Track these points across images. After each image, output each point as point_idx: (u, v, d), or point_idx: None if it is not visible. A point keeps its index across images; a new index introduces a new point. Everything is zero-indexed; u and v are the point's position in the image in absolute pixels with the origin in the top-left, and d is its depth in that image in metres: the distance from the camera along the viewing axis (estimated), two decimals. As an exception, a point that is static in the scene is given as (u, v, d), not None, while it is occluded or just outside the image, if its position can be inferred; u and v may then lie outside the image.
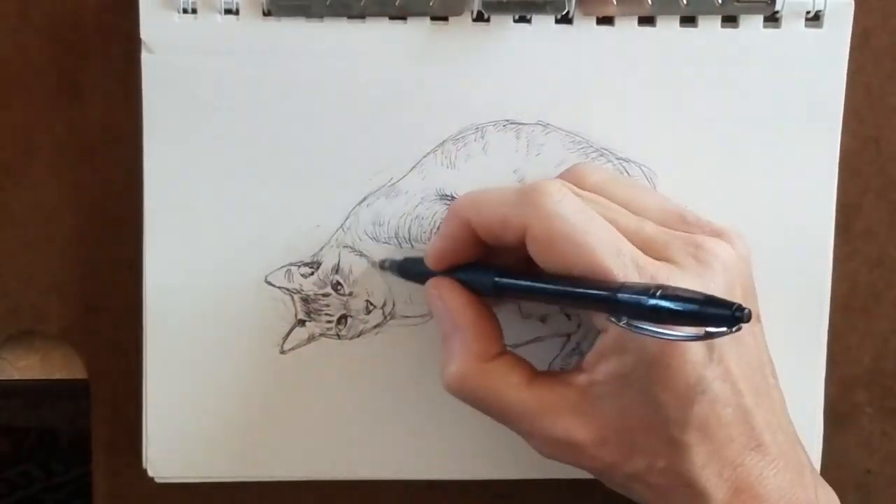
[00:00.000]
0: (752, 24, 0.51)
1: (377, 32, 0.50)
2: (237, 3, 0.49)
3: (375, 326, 0.52)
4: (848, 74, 0.51)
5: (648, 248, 0.44)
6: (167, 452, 0.52)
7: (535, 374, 0.47)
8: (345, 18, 0.49)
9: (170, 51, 0.49)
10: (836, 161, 0.52)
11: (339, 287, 0.51)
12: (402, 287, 0.51)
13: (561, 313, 0.52)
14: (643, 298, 0.40)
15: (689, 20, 0.50)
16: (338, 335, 0.52)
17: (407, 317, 0.52)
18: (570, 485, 0.54)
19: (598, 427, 0.45)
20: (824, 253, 0.52)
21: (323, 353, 0.52)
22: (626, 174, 0.51)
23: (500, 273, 0.46)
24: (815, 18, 0.51)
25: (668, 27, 0.50)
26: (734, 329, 0.38)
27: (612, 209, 0.46)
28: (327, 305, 0.51)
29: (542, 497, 0.55)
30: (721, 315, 0.38)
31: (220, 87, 0.50)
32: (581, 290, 0.43)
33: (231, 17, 0.49)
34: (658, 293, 0.40)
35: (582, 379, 0.45)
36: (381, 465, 0.53)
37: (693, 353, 0.42)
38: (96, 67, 0.51)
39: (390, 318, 0.52)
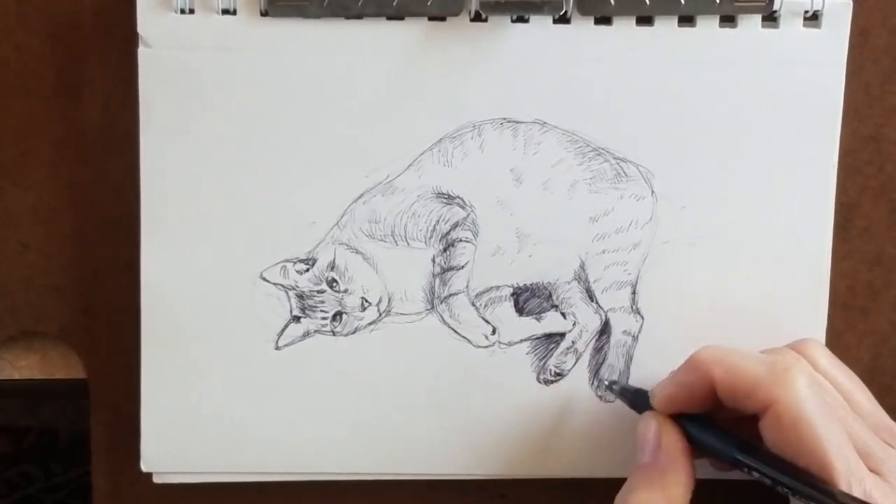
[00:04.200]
0: (750, 23, 0.51)
1: (374, 32, 0.50)
2: (234, 4, 0.49)
3: (371, 323, 0.52)
4: (847, 74, 0.51)
5: (866, 458, 0.46)
6: (162, 448, 0.52)
7: None
8: (342, 18, 0.50)
9: (167, 47, 0.49)
10: (835, 160, 0.52)
11: (334, 284, 0.51)
12: (398, 284, 0.52)
13: (557, 312, 0.52)
14: None
15: (687, 20, 0.51)
16: (333, 332, 0.52)
17: (402, 314, 0.52)
18: (570, 485, 0.54)
19: None
20: (823, 252, 0.52)
21: (318, 349, 0.52)
22: (623, 174, 0.51)
23: (740, 447, 0.47)
24: (813, 18, 0.51)
25: (666, 27, 0.50)
26: None
27: (843, 408, 0.48)
28: (322, 302, 0.52)
29: (542, 497, 0.55)
30: None
31: (218, 84, 0.50)
32: (827, 500, 0.44)
33: (228, 17, 0.49)
34: None
35: None
36: (379, 462, 0.53)
37: None
38: (95, 68, 0.51)
39: (385, 315, 0.52)
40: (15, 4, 0.51)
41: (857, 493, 0.44)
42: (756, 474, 0.46)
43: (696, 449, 0.48)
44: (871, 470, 0.45)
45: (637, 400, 0.51)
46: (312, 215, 0.51)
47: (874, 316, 0.54)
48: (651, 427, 0.48)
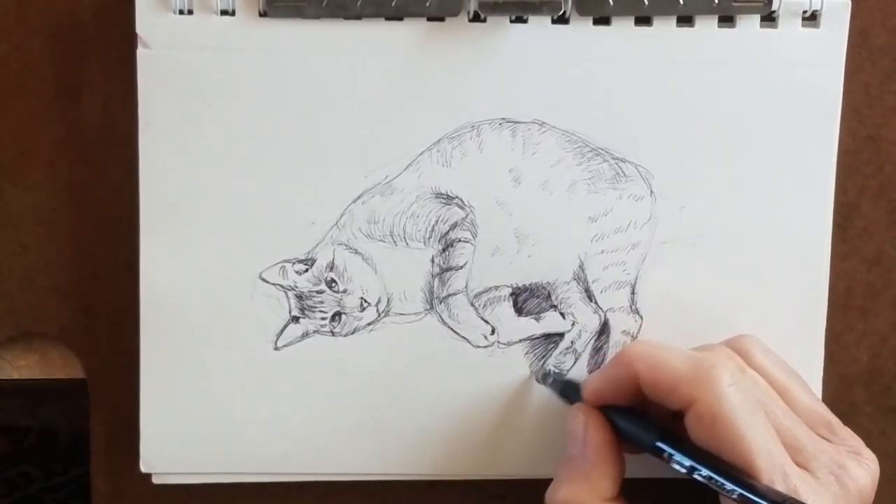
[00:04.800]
0: (748, 23, 0.51)
1: (373, 33, 0.50)
2: (233, 4, 0.49)
3: (370, 324, 0.52)
4: (845, 74, 0.51)
5: (796, 453, 0.46)
6: (161, 449, 0.52)
7: None
8: (341, 19, 0.50)
9: (166, 47, 0.49)
10: (834, 160, 0.52)
11: (333, 284, 0.51)
12: (397, 284, 0.52)
13: (556, 312, 0.52)
14: None
15: (685, 20, 0.51)
16: (332, 332, 0.52)
17: (401, 314, 0.52)
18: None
19: None
20: (822, 252, 0.52)
21: (317, 350, 0.52)
22: (622, 174, 0.51)
23: (662, 436, 0.47)
24: (811, 18, 0.51)
25: (664, 27, 0.50)
26: None
27: (772, 401, 0.48)
28: (321, 302, 0.52)
29: (541, 497, 0.55)
30: None
31: (217, 84, 0.50)
32: (746, 493, 0.44)
33: (227, 18, 0.50)
34: None
35: None
36: (378, 462, 0.53)
37: None
38: (94, 68, 0.51)
39: (385, 316, 0.52)
40: (15, 4, 0.51)
41: (780, 489, 0.44)
42: (676, 466, 0.46)
43: (625, 440, 0.48)
44: (801, 465, 0.46)
45: (567, 391, 0.51)
46: (311, 216, 0.51)
47: (873, 316, 0.54)
48: (578, 420, 0.49)
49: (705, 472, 0.45)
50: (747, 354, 0.49)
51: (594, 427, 0.48)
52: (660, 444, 0.47)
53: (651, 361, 0.47)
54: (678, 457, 0.46)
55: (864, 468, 0.47)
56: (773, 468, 0.44)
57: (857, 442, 0.48)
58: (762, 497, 0.44)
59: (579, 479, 0.48)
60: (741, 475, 0.45)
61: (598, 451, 0.48)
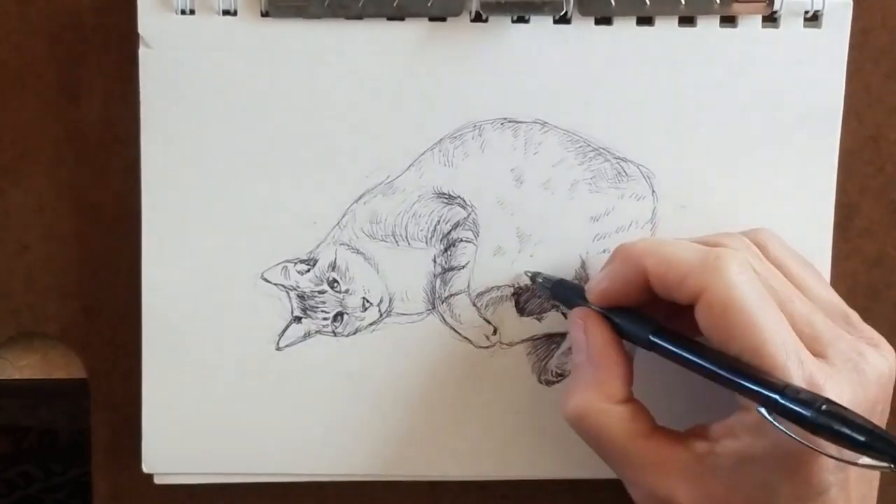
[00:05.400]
0: (750, 24, 0.51)
1: (375, 33, 0.50)
2: (235, 4, 0.49)
3: (372, 324, 0.52)
4: (847, 74, 0.51)
5: (812, 341, 0.44)
6: (163, 450, 0.52)
7: (655, 428, 0.47)
8: (342, 19, 0.50)
9: (168, 48, 0.49)
10: (836, 160, 0.52)
11: (335, 284, 0.51)
12: (399, 284, 0.52)
13: (558, 312, 0.52)
14: (807, 410, 0.40)
15: (687, 20, 0.51)
16: (334, 332, 0.52)
17: (403, 314, 0.52)
18: (570, 485, 0.54)
19: (702, 495, 0.45)
20: (823, 252, 0.52)
21: (319, 350, 0.52)
22: (623, 173, 0.51)
23: (656, 330, 0.46)
24: (813, 18, 0.51)
25: (666, 27, 0.50)
26: (892, 467, 0.39)
27: (788, 290, 0.46)
28: (323, 302, 0.51)
29: (542, 497, 0.55)
30: (884, 451, 0.39)
31: (219, 84, 0.50)
32: (743, 382, 0.43)
33: (229, 18, 0.49)
34: (823, 407, 0.40)
35: (702, 446, 0.45)
36: (380, 463, 0.53)
37: (827, 457, 0.43)
38: (95, 69, 0.51)
39: (387, 316, 0.52)
40: (15, 5, 0.51)
41: (796, 377, 0.42)
42: (674, 359, 0.45)
43: (647, 349, 0.47)
44: (818, 354, 0.44)
45: (561, 292, 0.50)
46: (313, 215, 0.51)
47: (874, 316, 0.54)
48: (579, 326, 0.48)
49: (700, 363, 0.44)
50: (764, 247, 0.48)
51: (594, 329, 0.48)
52: (654, 339, 0.46)
53: (659, 255, 0.46)
54: (673, 349, 0.45)
55: (883, 357, 0.45)
56: (787, 355, 0.43)
57: (875, 335, 0.47)
58: (762, 385, 0.42)
59: (589, 386, 0.47)
60: (742, 366, 0.43)
61: (603, 353, 0.47)
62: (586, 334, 0.48)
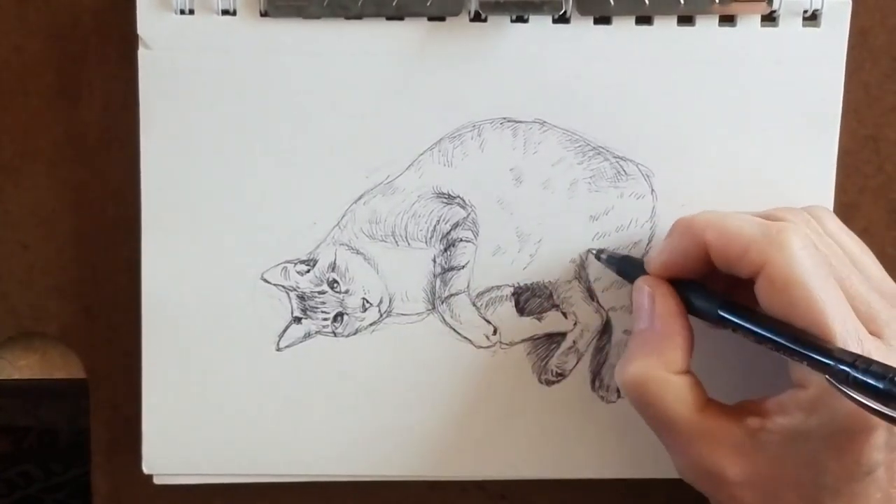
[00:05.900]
0: (749, 23, 0.51)
1: (374, 32, 0.50)
2: (234, 4, 0.49)
3: (372, 324, 0.52)
4: (846, 73, 0.51)
5: (869, 321, 0.44)
6: (163, 450, 0.52)
7: (708, 401, 0.47)
8: (342, 18, 0.50)
9: (167, 48, 0.49)
10: (835, 160, 0.52)
11: (335, 285, 0.51)
12: (399, 284, 0.52)
13: (558, 311, 0.52)
14: (880, 382, 0.40)
15: (686, 20, 0.51)
16: (334, 333, 0.52)
17: (403, 314, 0.52)
18: (570, 485, 0.54)
19: (751, 470, 0.45)
20: (823, 251, 0.52)
21: (319, 350, 0.52)
22: (623, 172, 0.51)
23: (724, 304, 0.46)
24: (812, 18, 0.51)
25: (665, 26, 0.50)
26: None
27: (846, 268, 0.46)
28: (323, 303, 0.52)
29: (542, 497, 0.55)
30: None
31: (218, 84, 0.50)
32: (813, 354, 0.42)
33: (228, 18, 0.49)
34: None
35: (754, 422, 0.45)
36: (380, 463, 0.53)
37: (878, 435, 0.43)
38: (94, 69, 0.51)
39: (387, 316, 0.52)
40: (15, 5, 0.51)
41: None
42: (742, 332, 0.45)
43: (712, 323, 0.47)
44: (873, 333, 0.44)
45: (626, 268, 0.50)
46: (313, 216, 0.51)
47: (874, 315, 0.54)
48: (644, 292, 0.48)
49: (776, 336, 0.44)
50: (821, 222, 0.48)
51: (662, 298, 0.47)
52: (722, 313, 0.46)
53: (720, 228, 0.46)
54: (744, 323, 0.45)
55: None
56: (847, 332, 0.43)
57: None
58: (833, 359, 0.42)
59: (650, 353, 0.47)
60: (811, 339, 0.43)
61: (668, 322, 0.47)
62: (653, 302, 0.48)
